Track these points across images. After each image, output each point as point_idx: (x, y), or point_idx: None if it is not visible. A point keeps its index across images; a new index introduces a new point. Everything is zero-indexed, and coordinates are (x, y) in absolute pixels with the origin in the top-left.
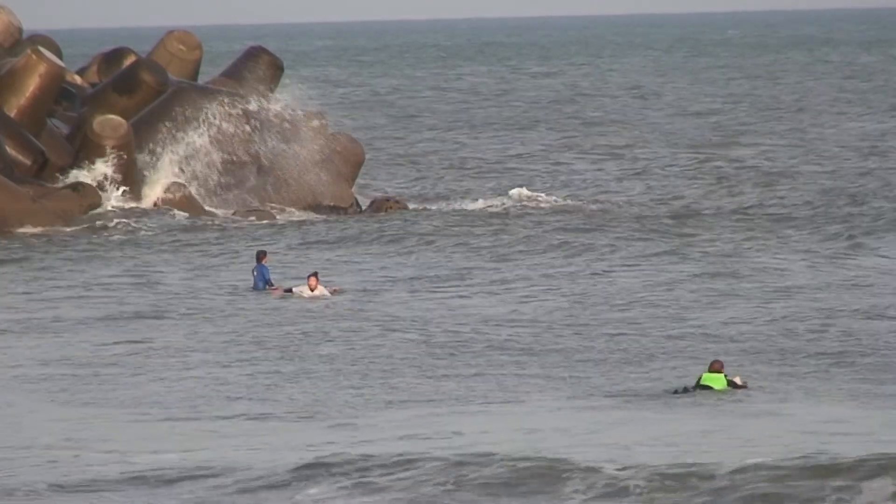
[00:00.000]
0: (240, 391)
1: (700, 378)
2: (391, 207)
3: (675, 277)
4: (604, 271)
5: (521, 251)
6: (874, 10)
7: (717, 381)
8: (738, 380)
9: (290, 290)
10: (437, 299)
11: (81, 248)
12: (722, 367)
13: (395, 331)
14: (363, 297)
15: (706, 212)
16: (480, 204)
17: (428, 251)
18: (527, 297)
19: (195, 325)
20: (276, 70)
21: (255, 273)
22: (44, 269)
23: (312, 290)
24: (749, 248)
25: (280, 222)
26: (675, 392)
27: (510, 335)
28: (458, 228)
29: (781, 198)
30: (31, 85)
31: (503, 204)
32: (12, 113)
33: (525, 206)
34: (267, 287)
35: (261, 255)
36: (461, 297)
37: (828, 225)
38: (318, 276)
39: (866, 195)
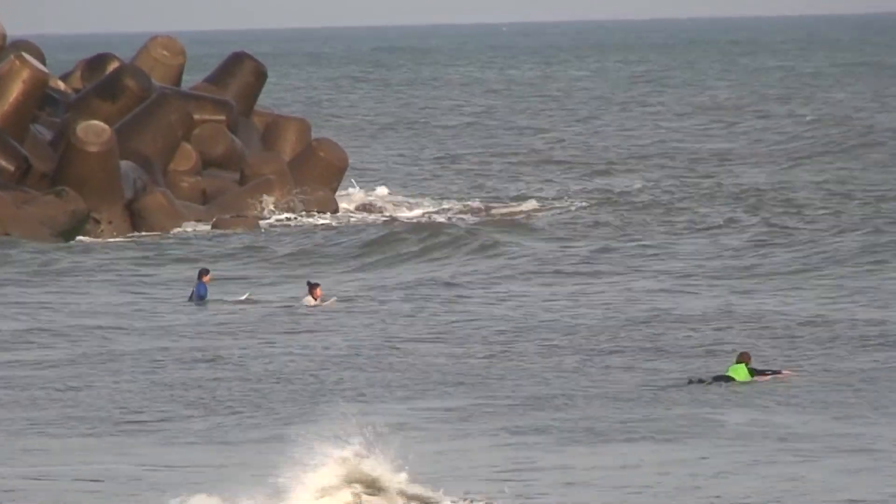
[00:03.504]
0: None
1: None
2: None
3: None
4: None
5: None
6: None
7: (738, 371)
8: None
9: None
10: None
11: (58, 255)
12: (748, 358)
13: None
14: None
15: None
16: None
17: (410, 259)
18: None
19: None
20: (259, 76)
21: (193, 289)
22: (27, 276)
23: (316, 300)
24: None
25: (262, 228)
26: (690, 382)
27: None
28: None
29: None
30: (15, 91)
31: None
32: None
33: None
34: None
35: (202, 273)
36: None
37: None
38: (320, 286)
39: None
